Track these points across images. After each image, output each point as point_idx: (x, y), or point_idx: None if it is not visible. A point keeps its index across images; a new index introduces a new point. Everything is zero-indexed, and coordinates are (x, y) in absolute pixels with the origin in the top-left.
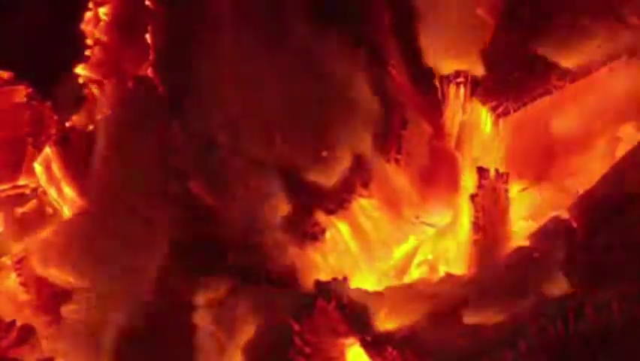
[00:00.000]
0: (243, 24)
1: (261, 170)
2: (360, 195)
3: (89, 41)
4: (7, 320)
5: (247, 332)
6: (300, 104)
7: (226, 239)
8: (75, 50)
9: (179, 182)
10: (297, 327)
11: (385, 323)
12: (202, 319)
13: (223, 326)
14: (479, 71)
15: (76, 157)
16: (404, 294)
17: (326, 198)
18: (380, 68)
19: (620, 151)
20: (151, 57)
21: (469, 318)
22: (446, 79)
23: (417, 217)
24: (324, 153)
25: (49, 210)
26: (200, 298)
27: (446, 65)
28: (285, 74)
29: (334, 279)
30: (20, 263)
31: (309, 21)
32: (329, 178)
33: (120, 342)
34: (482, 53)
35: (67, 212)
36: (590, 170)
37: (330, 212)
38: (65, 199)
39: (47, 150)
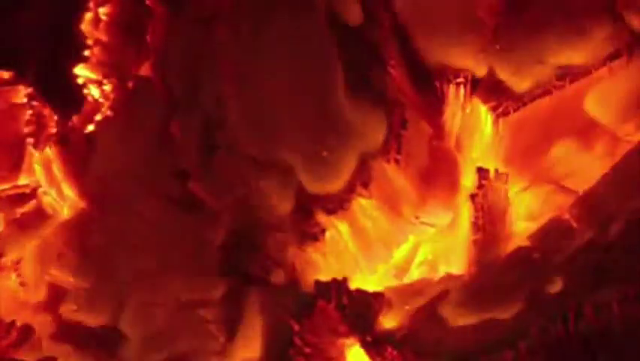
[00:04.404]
0: (243, 24)
1: (261, 170)
2: (360, 195)
3: (89, 41)
4: (7, 320)
5: (247, 332)
6: (301, 104)
7: (226, 239)
8: (75, 50)
9: (179, 182)
10: (297, 327)
11: (385, 323)
12: (202, 319)
13: (223, 325)
14: (479, 71)
15: (76, 157)
16: (404, 294)
17: (326, 198)
18: (380, 68)
19: (620, 151)
20: (151, 57)
21: (469, 318)
22: (446, 79)
23: (417, 217)
24: (325, 154)
25: (49, 210)
26: (200, 298)
27: (446, 65)
28: (285, 73)
29: (334, 279)
30: (20, 263)
31: (309, 22)
32: (333, 182)
33: (120, 342)
34: (482, 53)
35: (67, 212)
36: (590, 170)
37: (330, 212)
38: (65, 199)
39: (47, 150)
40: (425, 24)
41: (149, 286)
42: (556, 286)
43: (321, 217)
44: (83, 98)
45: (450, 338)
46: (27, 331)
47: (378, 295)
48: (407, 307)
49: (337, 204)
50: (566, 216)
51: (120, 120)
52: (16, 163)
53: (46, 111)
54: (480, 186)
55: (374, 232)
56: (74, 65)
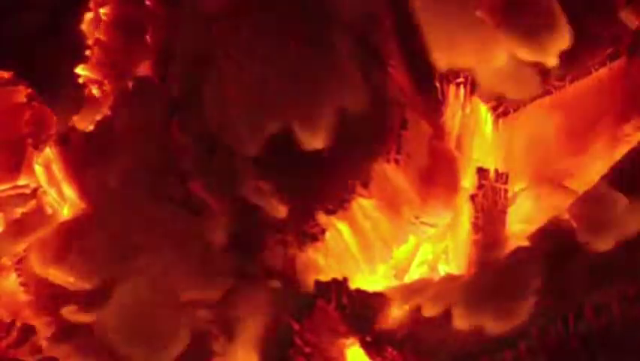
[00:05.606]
0: (243, 24)
1: (260, 170)
2: (360, 195)
3: (89, 41)
4: (7, 320)
5: (247, 332)
6: (301, 104)
7: (226, 239)
8: (75, 50)
9: (179, 182)
10: (297, 327)
11: (385, 323)
12: (202, 319)
13: (223, 326)
14: (479, 71)
15: (76, 157)
16: (404, 294)
17: (326, 199)
18: (380, 68)
19: (620, 151)
20: (151, 57)
21: (469, 318)
22: (446, 79)
23: (417, 217)
24: (325, 154)
25: (49, 210)
26: (200, 298)
27: (446, 65)
28: (285, 74)
29: (334, 279)
30: (20, 263)
31: (310, 21)
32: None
33: (120, 342)
34: (482, 53)
35: (67, 212)
36: (590, 170)
37: (330, 212)
38: (65, 199)
39: (47, 150)
40: (425, 24)
41: (149, 287)
42: (556, 287)
43: (321, 217)
44: (83, 98)
45: (450, 338)
46: (27, 331)
47: (378, 295)
48: (407, 307)
49: (337, 204)
50: (566, 216)
51: (120, 120)
52: (16, 163)
53: (46, 111)
54: (480, 186)
55: (374, 232)
56: (74, 65)
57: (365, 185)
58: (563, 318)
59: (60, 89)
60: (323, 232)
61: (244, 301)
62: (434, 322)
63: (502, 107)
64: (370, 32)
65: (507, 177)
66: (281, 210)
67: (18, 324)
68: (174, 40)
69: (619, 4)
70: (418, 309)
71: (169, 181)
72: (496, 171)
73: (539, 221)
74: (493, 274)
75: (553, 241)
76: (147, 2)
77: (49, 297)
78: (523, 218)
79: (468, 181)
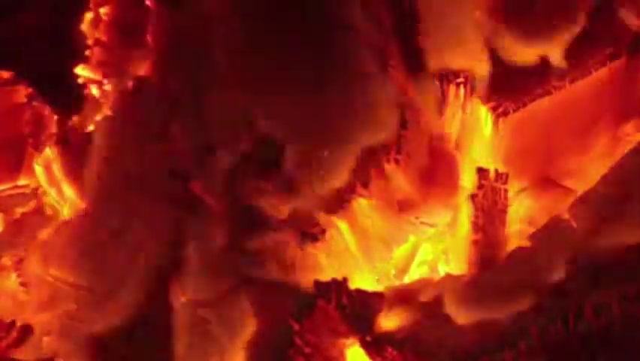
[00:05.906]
0: (243, 24)
1: (260, 170)
2: (360, 195)
3: (89, 41)
4: (7, 320)
5: (247, 332)
6: (301, 104)
7: (226, 239)
8: (75, 50)
9: (179, 182)
10: (297, 327)
11: (385, 323)
12: (202, 319)
13: (223, 326)
14: (479, 71)
15: (76, 157)
16: (404, 294)
17: (326, 199)
18: (380, 68)
19: (620, 151)
20: (151, 57)
21: (469, 318)
22: (446, 79)
23: (417, 217)
24: (326, 154)
25: (49, 210)
26: (200, 298)
27: (446, 65)
28: (286, 74)
29: (334, 279)
30: (20, 263)
31: (311, 22)
32: (333, 181)
33: (120, 342)
34: (482, 53)
35: (67, 212)
36: (590, 170)
37: (330, 212)
38: (65, 199)
39: (47, 150)
40: (425, 24)
41: (149, 287)
42: (556, 287)
43: (321, 217)
44: (83, 98)
45: (450, 338)
46: (27, 331)
47: (378, 295)
48: (407, 307)
49: (337, 204)
50: (566, 216)
51: (120, 120)
52: (16, 163)
53: (46, 111)
54: (480, 186)
55: (374, 232)
56: (74, 65)
57: (365, 185)
58: (563, 318)
59: (60, 89)
60: (323, 231)
61: (244, 301)
62: (434, 322)
63: (502, 107)
64: (371, 33)
65: (507, 177)
66: (281, 210)
67: (18, 324)
68: (174, 40)
69: (619, 4)
70: (418, 309)
71: (169, 181)
72: (496, 171)
73: (539, 221)
74: (493, 274)
75: (553, 241)
76: (147, 2)
77: (49, 297)
78: (523, 218)
79: (468, 181)
